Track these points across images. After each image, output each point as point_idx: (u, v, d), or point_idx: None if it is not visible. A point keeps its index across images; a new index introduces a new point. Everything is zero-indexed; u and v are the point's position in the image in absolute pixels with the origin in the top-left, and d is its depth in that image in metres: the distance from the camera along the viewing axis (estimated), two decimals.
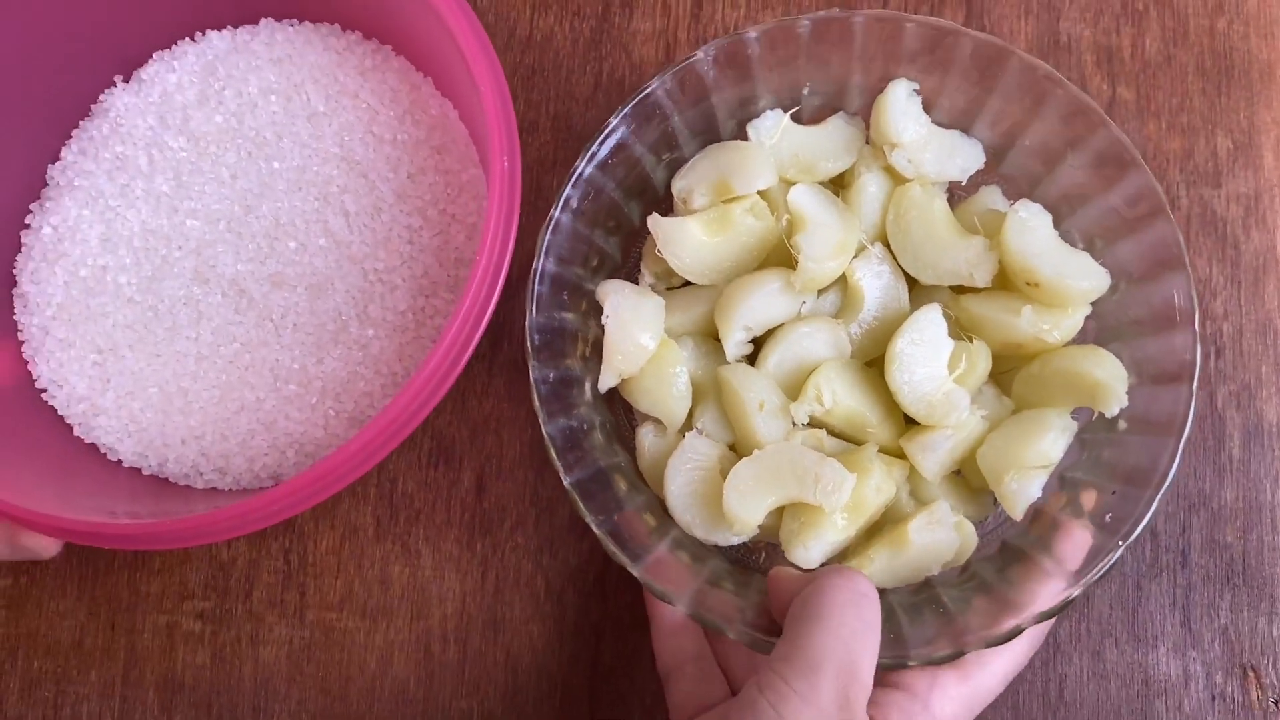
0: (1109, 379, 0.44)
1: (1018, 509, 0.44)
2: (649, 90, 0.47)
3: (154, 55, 0.55)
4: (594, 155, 0.47)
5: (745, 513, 0.44)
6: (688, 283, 0.49)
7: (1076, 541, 0.43)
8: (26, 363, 0.53)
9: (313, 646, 0.52)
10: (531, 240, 0.53)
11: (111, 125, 0.54)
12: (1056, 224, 0.46)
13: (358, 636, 0.52)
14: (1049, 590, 0.42)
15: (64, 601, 0.53)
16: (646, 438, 0.48)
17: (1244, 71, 0.55)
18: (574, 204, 0.47)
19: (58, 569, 0.54)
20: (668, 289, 0.50)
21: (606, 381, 0.47)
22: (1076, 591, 0.41)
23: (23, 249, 0.53)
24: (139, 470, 0.52)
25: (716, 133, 0.51)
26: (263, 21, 0.55)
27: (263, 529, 0.51)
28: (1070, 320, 0.45)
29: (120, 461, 0.52)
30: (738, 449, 0.47)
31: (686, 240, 0.47)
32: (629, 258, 0.52)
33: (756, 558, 0.49)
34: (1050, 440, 0.45)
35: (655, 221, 0.47)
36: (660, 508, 0.47)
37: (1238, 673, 0.50)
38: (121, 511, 0.47)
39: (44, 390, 0.52)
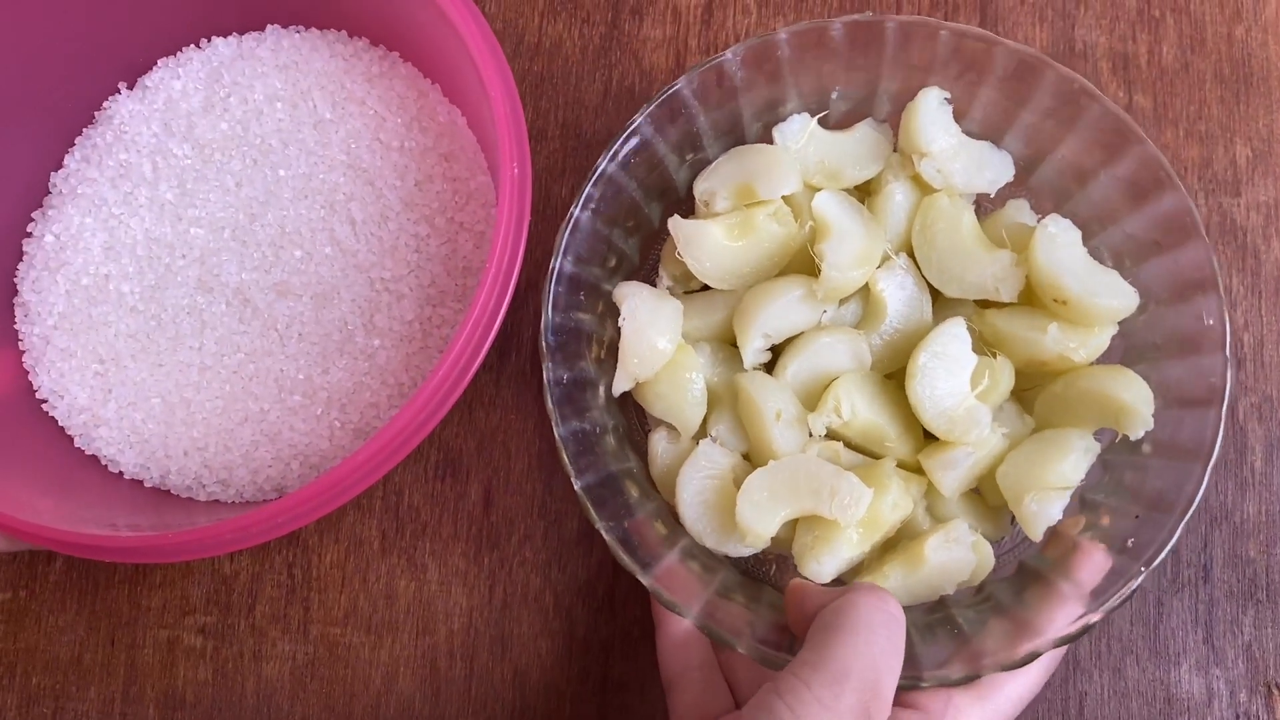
0: (1135, 401, 0.43)
1: (1037, 530, 0.43)
2: (675, 89, 0.46)
3: (159, 62, 0.54)
4: (616, 153, 0.46)
5: (758, 524, 0.43)
6: (706, 287, 0.48)
7: (1095, 564, 0.42)
8: (27, 373, 0.52)
9: (316, 663, 0.51)
10: (540, 249, 0.53)
11: (115, 132, 0.53)
12: (1086, 241, 0.45)
13: (362, 652, 0.51)
14: (1066, 614, 0.41)
15: (63, 616, 0.52)
16: (659, 444, 0.48)
17: (1263, 79, 0.54)
18: (594, 202, 0.46)
19: (57, 583, 0.53)
20: (686, 293, 0.50)
21: (621, 385, 0.46)
22: (1096, 617, 0.40)
23: (24, 257, 0.53)
24: (140, 482, 0.51)
25: (742, 135, 0.50)
26: (269, 28, 0.54)
27: (266, 542, 0.51)
28: (1097, 339, 0.44)
29: (122, 473, 0.51)
30: (752, 458, 0.47)
31: (707, 243, 0.47)
32: (647, 259, 0.51)
33: (767, 570, 0.48)
34: (1072, 461, 0.44)
35: (676, 223, 0.47)
36: (671, 516, 0.46)
37: (1262, 690, 0.49)
38: (123, 524, 0.46)
39: (45, 401, 0.51)
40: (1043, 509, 0.43)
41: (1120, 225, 0.46)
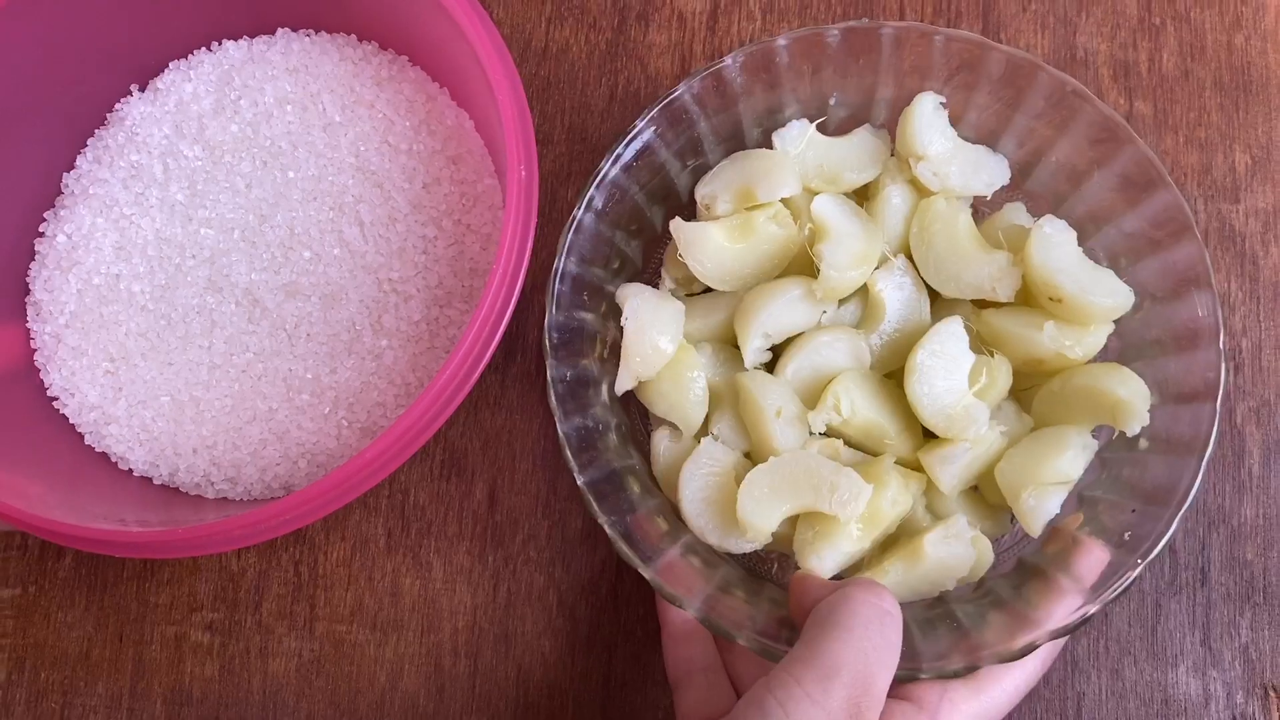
0: (1131, 397, 0.43)
1: (1035, 526, 0.44)
2: (676, 94, 0.47)
3: (170, 65, 0.55)
4: (619, 157, 0.47)
5: (760, 520, 0.44)
6: (708, 290, 0.49)
7: (1094, 559, 0.43)
8: (38, 370, 0.52)
9: (322, 659, 0.52)
10: (546, 251, 0.54)
11: (127, 134, 0.54)
12: (1081, 242, 0.46)
13: (368, 650, 0.52)
14: (1065, 607, 0.41)
15: (72, 612, 0.53)
16: (661, 442, 0.48)
17: (1262, 87, 0.55)
18: (597, 204, 0.47)
19: (66, 579, 0.53)
20: (688, 295, 0.50)
21: (624, 384, 0.47)
22: (1093, 609, 0.41)
23: (37, 257, 0.53)
24: (150, 479, 0.52)
25: (742, 140, 0.51)
26: (279, 31, 0.55)
27: (273, 540, 0.51)
28: (1093, 337, 0.45)
29: (131, 470, 0.52)
30: (753, 456, 0.47)
31: (708, 245, 0.47)
32: (650, 262, 0.52)
33: (769, 568, 0.49)
34: (1070, 458, 0.44)
35: (678, 225, 0.47)
36: (673, 512, 0.47)
37: (1259, 693, 0.49)
38: (132, 520, 0.47)
39: (55, 398, 0.52)
40: (1040, 504, 0.44)
41: (1115, 225, 0.47)
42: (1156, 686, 0.49)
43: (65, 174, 0.54)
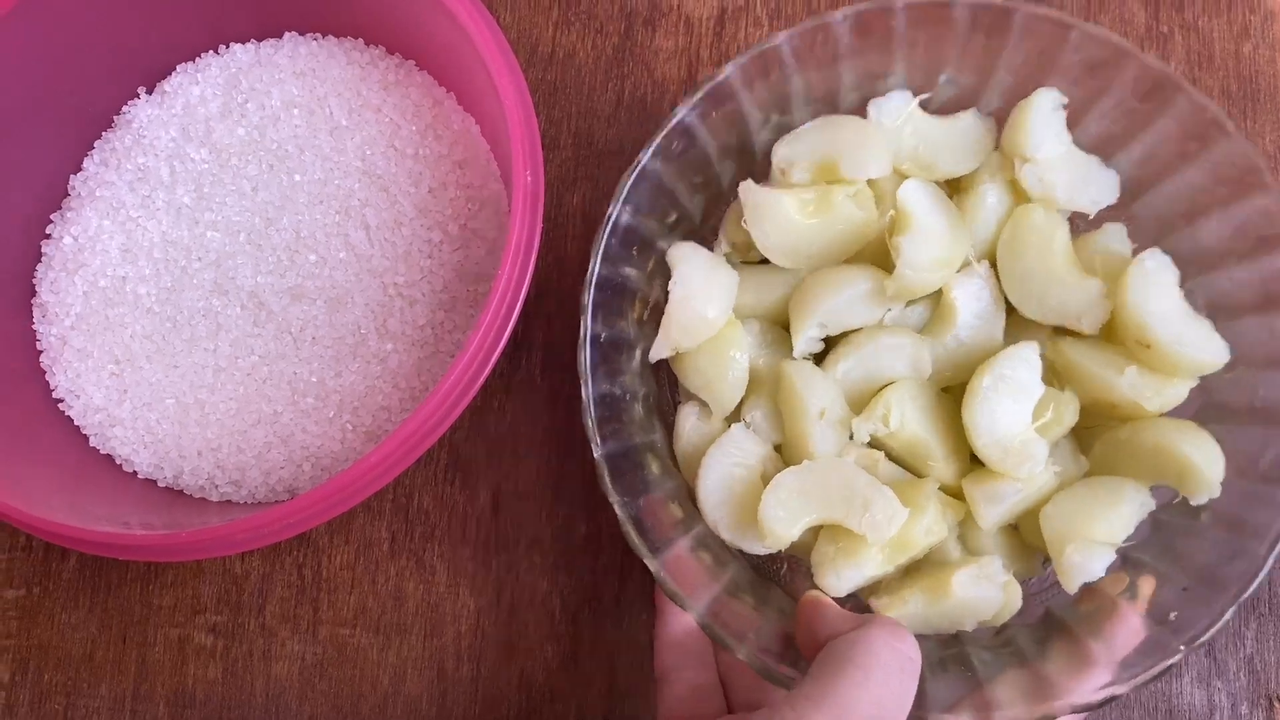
0: (1204, 464, 0.40)
1: (1073, 583, 0.40)
2: (774, 43, 0.43)
3: (177, 67, 0.55)
4: (697, 101, 0.43)
5: (781, 525, 0.41)
6: (766, 261, 0.45)
7: (1130, 629, 0.40)
8: (44, 372, 0.53)
9: (325, 663, 0.52)
10: (552, 255, 0.54)
11: (134, 136, 0.54)
12: (1182, 282, 0.42)
13: (371, 653, 0.52)
14: (1091, 679, 0.38)
15: (76, 614, 0.53)
16: (688, 419, 0.45)
17: (1270, 96, 0.54)
18: (664, 152, 0.43)
19: (70, 580, 0.53)
20: (744, 263, 0.46)
21: (659, 351, 0.44)
22: (1122, 689, 0.38)
23: (43, 259, 0.54)
24: (154, 482, 0.52)
25: (835, 103, 0.46)
26: (286, 35, 0.55)
27: (277, 543, 0.51)
28: (1175, 390, 0.41)
29: (135, 473, 0.52)
30: (784, 453, 0.44)
31: (777, 216, 0.43)
32: (709, 220, 0.48)
33: (778, 569, 0.46)
34: (1123, 515, 0.41)
35: (747, 189, 0.44)
36: (689, 498, 0.44)
37: (1263, 703, 0.49)
38: (136, 523, 0.47)
39: (61, 400, 0.52)
40: (1085, 563, 0.40)
41: (1222, 273, 0.43)
42: (1161, 697, 0.49)
43: (72, 176, 0.54)
